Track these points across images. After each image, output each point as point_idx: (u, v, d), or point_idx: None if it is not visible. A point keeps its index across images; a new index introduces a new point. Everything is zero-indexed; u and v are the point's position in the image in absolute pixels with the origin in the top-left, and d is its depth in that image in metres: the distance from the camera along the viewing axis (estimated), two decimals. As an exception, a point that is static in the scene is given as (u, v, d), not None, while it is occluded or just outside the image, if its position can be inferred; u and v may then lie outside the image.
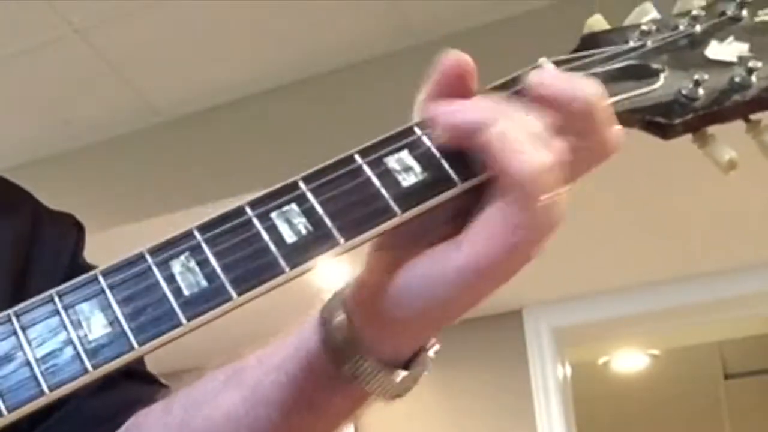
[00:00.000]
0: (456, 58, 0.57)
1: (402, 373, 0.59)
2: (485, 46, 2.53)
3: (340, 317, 0.58)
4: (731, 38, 0.63)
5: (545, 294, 3.46)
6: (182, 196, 2.76)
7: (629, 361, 5.13)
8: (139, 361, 0.81)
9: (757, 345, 5.02)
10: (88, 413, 0.75)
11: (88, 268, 0.87)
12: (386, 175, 0.55)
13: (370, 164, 0.56)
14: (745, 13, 0.64)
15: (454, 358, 3.38)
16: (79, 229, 0.90)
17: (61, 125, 2.87)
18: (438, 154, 0.56)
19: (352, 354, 0.58)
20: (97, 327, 0.51)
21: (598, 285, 3.43)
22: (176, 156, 2.87)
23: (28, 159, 2.88)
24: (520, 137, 0.52)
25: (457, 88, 0.57)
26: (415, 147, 0.57)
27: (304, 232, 0.54)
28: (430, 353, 0.61)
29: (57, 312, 0.52)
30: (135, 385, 0.77)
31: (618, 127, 0.56)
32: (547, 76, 0.57)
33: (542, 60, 0.61)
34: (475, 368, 3.58)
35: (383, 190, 0.55)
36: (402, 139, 0.57)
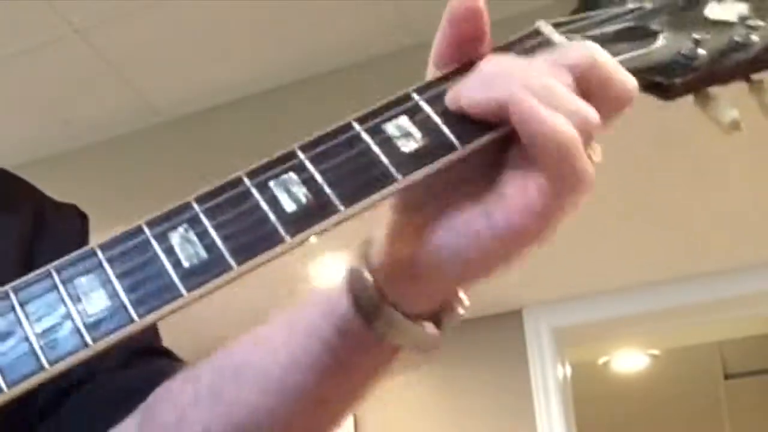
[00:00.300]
0: (463, 4, 0.58)
1: (431, 326, 0.59)
2: (485, 46, 2.53)
3: (365, 276, 0.58)
4: None
5: (545, 294, 3.46)
6: (182, 196, 2.74)
7: (629, 361, 5.13)
8: (157, 340, 0.81)
9: (757, 345, 5.02)
10: (113, 389, 0.75)
11: None
12: (385, 142, 0.55)
13: (368, 131, 0.55)
14: None
15: (454, 358, 3.39)
16: (83, 219, 0.91)
17: (61, 125, 2.87)
18: (437, 119, 0.56)
19: (382, 310, 0.58)
20: (96, 300, 0.51)
21: (598, 285, 3.43)
22: (176, 156, 2.87)
23: (28, 159, 2.87)
24: (541, 100, 0.52)
25: (468, 36, 0.57)
26: (413, 112, 0.56)
27: (303, 200, 0.53)
28: (460, 303, 0.61)
29: (55, 286, 0.51)
30: (157, 359, 0.78)
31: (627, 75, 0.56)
32: (539, 59, 0.57)
33: (540, 23, 0.61)
34: (475, 368, 3.58)
35: (383, 157, 0.54)
36: (400, 104, 0.57)
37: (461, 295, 0.61)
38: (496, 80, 0.55)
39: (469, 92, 0.55)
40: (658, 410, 5.09)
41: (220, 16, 2.52)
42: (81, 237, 0.88)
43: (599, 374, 5.09)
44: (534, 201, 0.53)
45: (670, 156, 2.69)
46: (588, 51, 0.56)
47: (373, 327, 0.58)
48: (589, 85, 0.55)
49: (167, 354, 0.81)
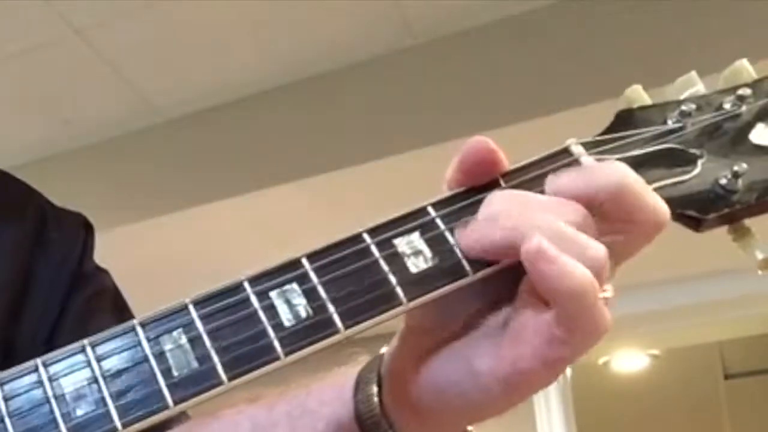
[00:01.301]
0: (478, 144, 0.54)
1: None
2: (485, 46, 2.53)
3: (373, 398, 0.56)
4: None
5: (545, 294, 3.46)
6: (182, 196, 2.76)
7: (629, 361, 5.13)
8: None
9: (757, 345, 5.02)
10: None
11: (96, 273, 0.86)
12: (395, 259, 0.53)
13: (378, 245, 0.53)
14: None
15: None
16: (87, 230, 0.89)
17: (61, 125, 2.87)
18: (451, 239, 0.53)
19: None
20: (81, 403, 0.49)
21: (598, 285, 3.42)
22: (176, 156, 2.86)
23: (28, 159, 2.87)
24: (559, 247, 0.49)
25: (480, 173, 0.54)
26: (427, 229, 0.54)
27: (303, 315, 0.51)
28: None
29: (41, 384, 0.49)
30: None
31: (660, 201, 0.53)
32: (564, 179, 0.53)
33: (570, 141, 0.56)
34: (475, 368, 3.58)
35: (391, 276, 0.52)
36: (414, 219, 0.54)
37: (469, 429, 0.58)
38: (504, 220, 0.51)
39: (475, 233, 0.52)
40: (658, 410, 5.09)
41: (220, 16, 2.52)
42: (83, 250, 0.86)
43: (599, 374, 5.09)
44: (544, 349, 0.50)
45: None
46: (615, 174, 0.52)
47: None
48: (615, 211, 0.51)
49: None
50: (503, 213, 0.52)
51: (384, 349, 0.58)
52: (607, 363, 5.13)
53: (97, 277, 0.85)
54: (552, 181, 0.53)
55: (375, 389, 0.56)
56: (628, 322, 3.68)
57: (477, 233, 0.52)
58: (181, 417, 0.72)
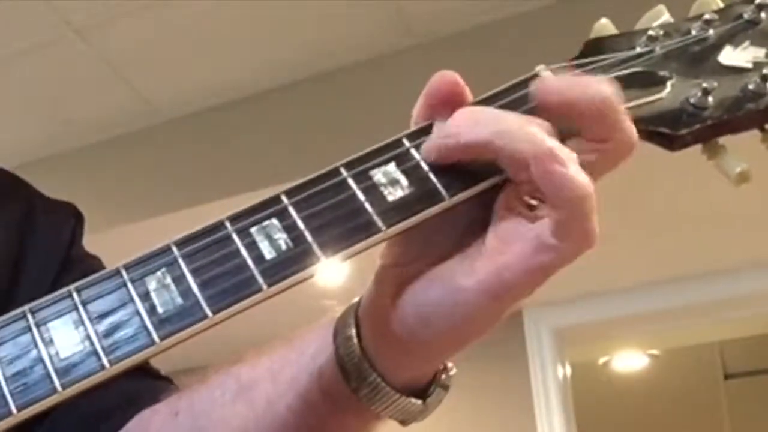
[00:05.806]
0: (444, 79, 0.55)
1: (418, 402, 0.58)
2: (485, 46, 2.53)
3: (352, 340, 0.57)
4: (747, 43, 0.58)
5: (545, 294, 3.43)
6: (182, 196, 2.76)
7: (629, 361, 5.13)
8: None
9: (757, 345, 5.01)
10: (87, 410, 0.74)
11: (85, 258, 0.87)
12: (371, 189, 0.53)
13: (355, 177, 0.54)
14: (764, 15, 0.59)
15: (453, 358, 3.38)
16: (77, 217, 0.89)
17: (61, 125, 2.87)
18: (426, 167, 0.54)
19: (367, 378, 0.56)
20: (68, 345, 0.50)
21: (598, 285, 3.43)
22: (176, 156, 2.87)
23: (28, 159, 2.87)
24: (562, 154, 0.49)
25: (447, 106, 0.55)
26: (402, 160, 0.55)
27: (284, 248, 0.52)
28: (448, 376, 0.60)
29: (29, 329, 0.51)
30: (136, 380, 0.75)
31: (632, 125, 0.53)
32: (553, 83, 0.53)
33: (539, 68, 0.57)
34: (475, 368, 3.58)
35: (368, 205, 0.53)
36: (389, 151, 0.55)
37: (449, 366, 0.59)
38: (476, 124, 0.52)
39: (449, 137, 0.53)
40: (658, 410, 5.09)
41: (220, 16, 2.52)
42: (73, 236, 0.87)
43: (599, 374, 5.09)
44: (531, 258, 0.51)
45: (670, 155, 2.68)
46: (601, 88, 0.52)
47: (358, 394, 0.57)
48: (595, 126, 0.52)
49: (149, 372, 0.79)
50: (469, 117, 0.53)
51: (357, 298, 0.59)
52: (607, 363, 5.13)
53: (86, 261, 0.86)
54: (541, 83, 0.53)
55: (353, 332, 0.57)
56: (628, 322, 3.68)
57: (450, 140, 0.53)
58: (171, 388, 0.72)
